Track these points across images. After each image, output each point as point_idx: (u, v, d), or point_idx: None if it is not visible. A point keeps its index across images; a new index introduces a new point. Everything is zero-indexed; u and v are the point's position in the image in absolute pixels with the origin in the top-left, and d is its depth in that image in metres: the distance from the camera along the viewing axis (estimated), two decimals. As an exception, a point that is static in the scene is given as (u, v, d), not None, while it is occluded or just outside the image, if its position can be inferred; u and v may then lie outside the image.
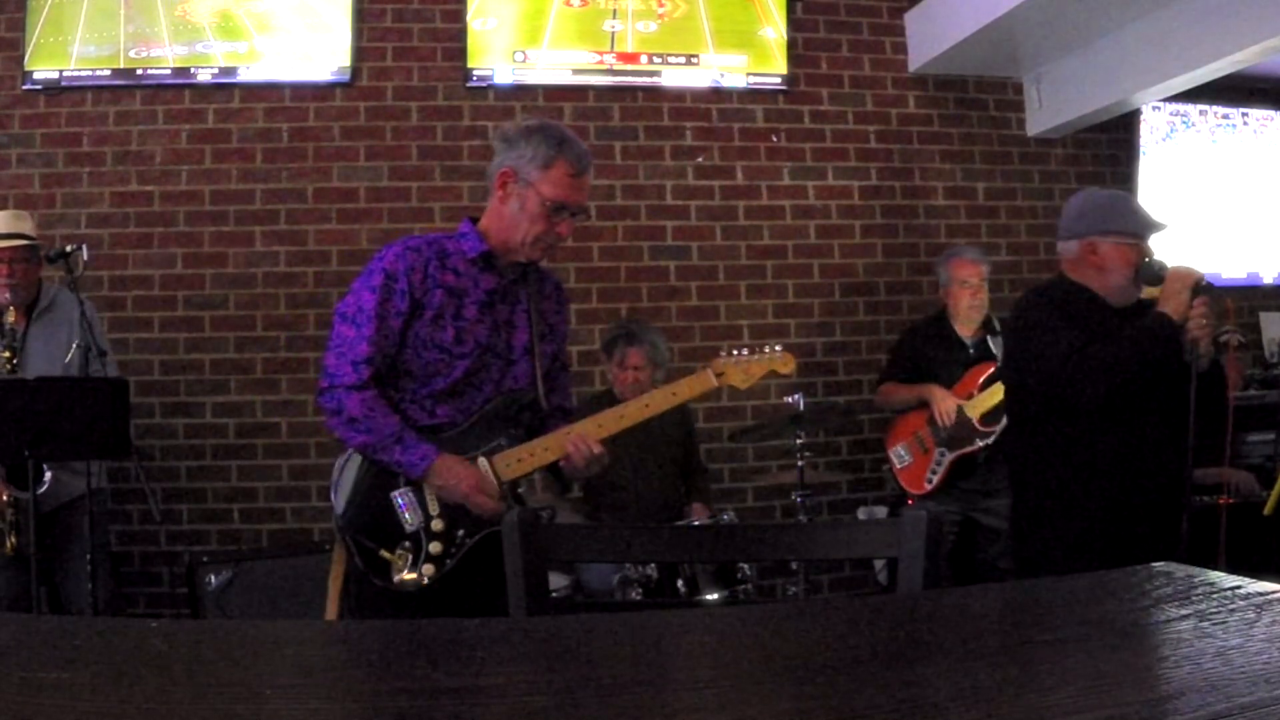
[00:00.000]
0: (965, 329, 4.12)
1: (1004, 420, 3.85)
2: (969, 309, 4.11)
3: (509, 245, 2.30)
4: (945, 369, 4.03)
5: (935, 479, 3.97)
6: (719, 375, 2.44)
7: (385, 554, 2.22)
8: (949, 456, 3.94)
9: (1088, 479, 2.63)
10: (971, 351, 4.08)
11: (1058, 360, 2.58)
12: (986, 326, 4.12)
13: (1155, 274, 2.66)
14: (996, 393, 3.84)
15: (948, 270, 4.18)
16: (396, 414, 2.24)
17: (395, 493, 2.25)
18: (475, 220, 2.36)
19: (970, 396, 3.94)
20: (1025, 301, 2.86)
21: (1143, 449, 2.61)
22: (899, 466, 4.09)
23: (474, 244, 2.31)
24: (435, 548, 2.23)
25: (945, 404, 3.92)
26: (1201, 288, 2.56)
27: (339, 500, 2.29)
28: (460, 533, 2.24)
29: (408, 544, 2.22)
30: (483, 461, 2.27)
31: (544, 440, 2.31)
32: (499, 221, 2.31)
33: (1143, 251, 2.72)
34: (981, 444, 3.89)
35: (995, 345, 4.03)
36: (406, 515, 2.24)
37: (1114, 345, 2.57)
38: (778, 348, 2.49)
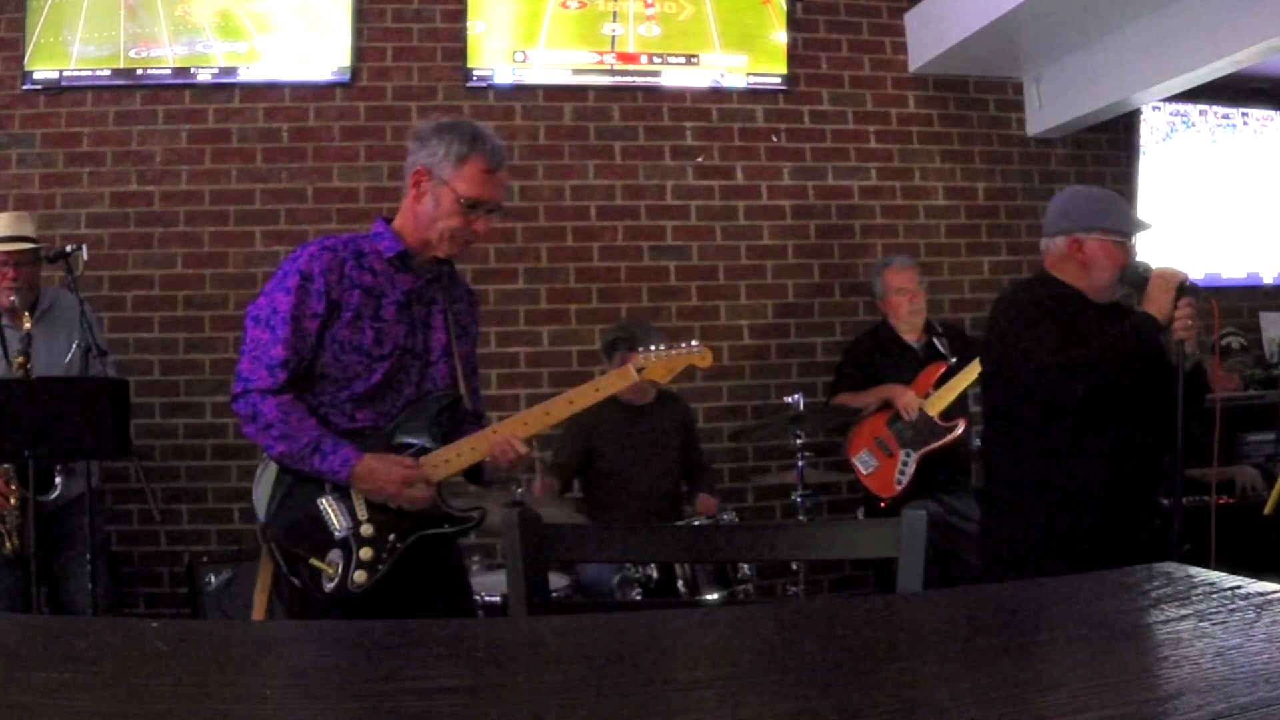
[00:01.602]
0: (910, 334, 4.14)
1: (962, 416, 3.90)
2: (910, 314, 4.14)
3: (424, 242, 2.27)
4: (896, 375, 4.04)
5: (905, 480, 3.96)
6: (639, 370, 2.44)
7: (315, 562, 2.15)
8: (915, 456, 3.95)
9: (1065, 477, 2.62)
10: (920, 355, 4.10)
11: (1042, 357, 2.57)
12: (929, 330, 4.15)
13: (1140, 275, 2.64)
14: (953, 389, 3.91)
15: (882, 282, 4.21)
16: (314, 418, 2.18)
17: (321, 499, 2.19)
18: (388, 220, 2.33)
19: (926, 396, 3.95)
20: (1007, 297, 2.85)
21: (1122, 448, 2.60)
22: (865, 473, 4.06)
23: (390, 244, 2.27)
24: (366, 554, 2.16)
25: (907, 398, 3.94)
26: (1186, 288, 2.54)
27: (261, 508, 2.22)
28: (391, 537, 2.19)
29: (337, 551, 2.16)
30: (411, 462, 2.22)
31: (471, 439, 2.28)
32: (413, 220, 2.28)
33: (1128, 251, 2.72)
34: (950, 438, 3.89)
35: (942, 345, 4.08)
36: (334, 521, 2.18)
37: (1099, 344, 2.55)
38: (695, 343, 2.51)
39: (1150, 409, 2.58)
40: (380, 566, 2.17)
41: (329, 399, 2.22)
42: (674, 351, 2.47)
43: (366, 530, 2.18)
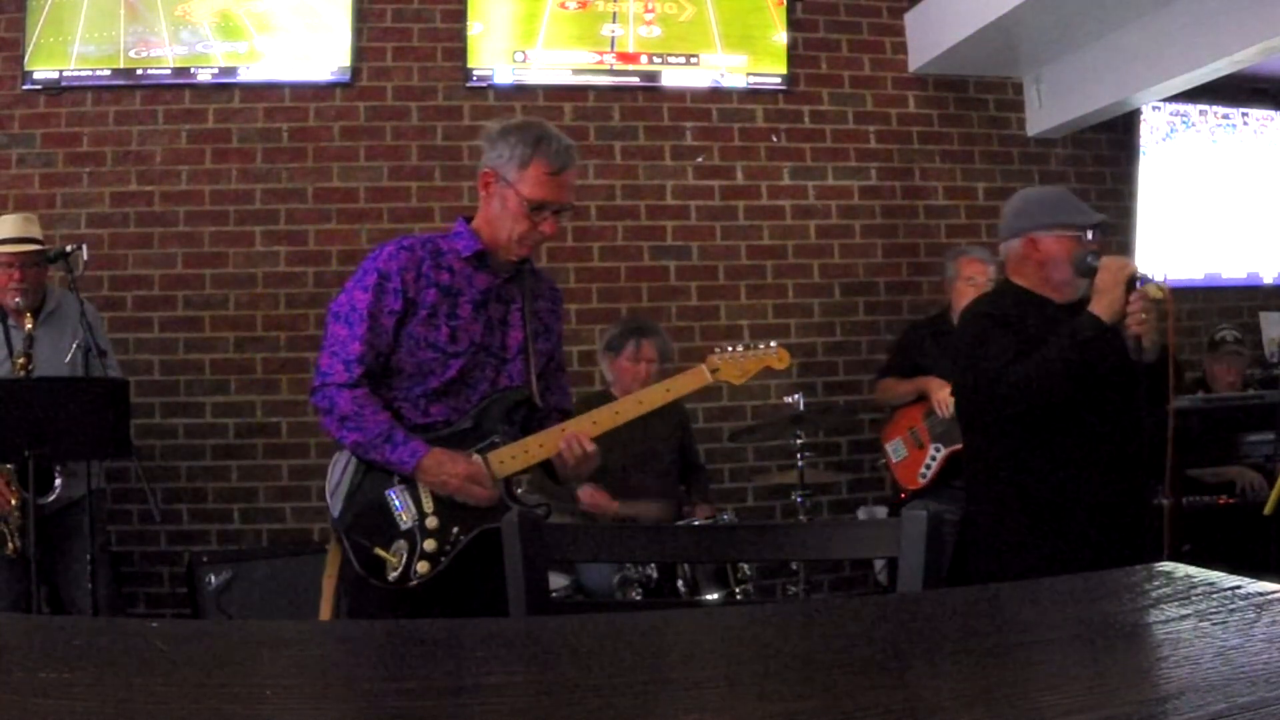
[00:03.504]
0: None
1: None
2: None
3: (497, 244, 2.31)
4: (942, 366, 4.02)
5: (929, 474, 3.96)
6: (714, 371, 2.44)
7: (380, 552, 2.21)
8: (943, 452, 3.94)
9: (1040, 486, 2.59)
10: None
11: (992, 373, 2.56)
12: None
13: (1088, 266, 2.58)
14: None
15: (955, 266, 4.18)
16: (388, 412, 2.24)
17: (389, 490, 2.25)
18: (469, 220, 2.36)
19: None
20: (966, 310, 2.85)
21: (1094, 450, 2.57)
22: (895, 460, 4.09)
23: (468, 243, 2.31)
24: (430, 545, 2.22)
25: (944, 394, 3.92)
26: (1135, 281, 2.48)
27: (335, 500, 2.28)
28: (455, 530, 2.24)
29: (403, 542, 2.22)
30: (477, 458, 2.27)
31: (539, 437, 2.31)
32: (486, 221, 2.32)
33: (1085, 244, 2.66)
34: None
35: None
36: (401, 513, 2.24)
37: (1040, 355, 2.51)
38: (773, 344, 2.49)
39: (1117, 407, 2.56)
40: (443, 558, 2.22)
41: (404, 393, 2.28)
42: (750, 353, 2.45)
43: (431, 523, 2.23)
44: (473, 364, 2.29)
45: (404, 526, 2.23)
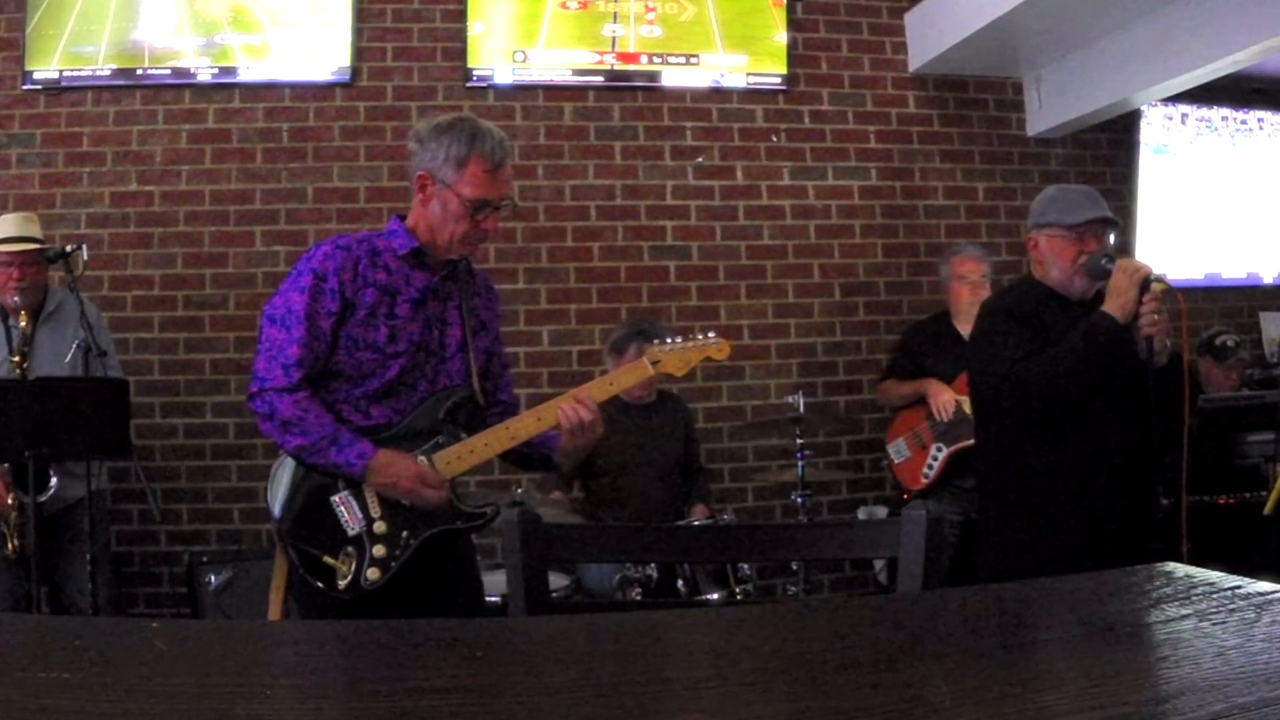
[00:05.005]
0: (966, 326, 4.11)
1: None
2: (969, 305, 4.10)
3: (436, 245, 2.27)
4: (943, 366, 4.02)
5: (931, 474, 3.96)
6: (655, 363, 2.41)
7: (329, 560, 2.16)
8: (945, 452, 3.94)
9: (1047, 484, 2.59)
10: None
11: (1001, 369, 2.56)
12: None
13: (1101, 269, 2.58)
14: None
15: (949, 267, 4.20)
16: (330, 415, 2.19)
17: (335, 496, 2.19)
18: (403, 218, 2.32)
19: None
20: (985, 303, 2.85)
21: (1103, 450, 2.57)
22: (897, 461, 4.09)
23: (404, 241, 2.27)
24: (379, 551, 2.17)
25: (942, 397, 3.93)
26: (1150, 283, 2.48)
27: (276, 506, 2.23)
28: (404, 534, 2.20)
29: (350, 548, 2.17)
30: (423, 460, 2.23)
31: (484, 435, 2.28)
32: (425, 223, 2.27)
33: (1081, 243, 2.64)
34: None
35: None
36: (347, 519, 2.18)
37: (1052, 352, 2.52)
38: (711, 334, 2.46)
39: (1127, 408, 2.56)
40: (393, 564, 2.18)
41: (344, 395, 2.23)
42: (690, 344, 2.44)
43: (379, 527, 2.19)
44: (413, 364, 2.25)
45: (351, 532, 2.18)
